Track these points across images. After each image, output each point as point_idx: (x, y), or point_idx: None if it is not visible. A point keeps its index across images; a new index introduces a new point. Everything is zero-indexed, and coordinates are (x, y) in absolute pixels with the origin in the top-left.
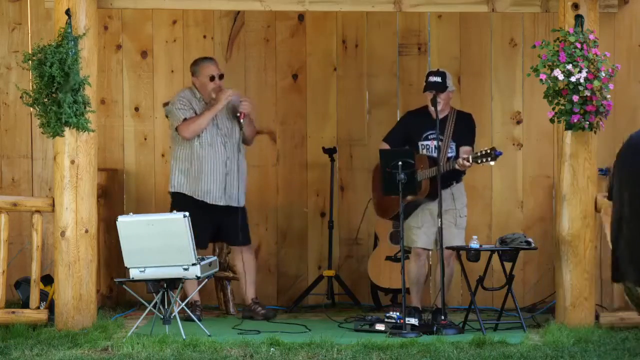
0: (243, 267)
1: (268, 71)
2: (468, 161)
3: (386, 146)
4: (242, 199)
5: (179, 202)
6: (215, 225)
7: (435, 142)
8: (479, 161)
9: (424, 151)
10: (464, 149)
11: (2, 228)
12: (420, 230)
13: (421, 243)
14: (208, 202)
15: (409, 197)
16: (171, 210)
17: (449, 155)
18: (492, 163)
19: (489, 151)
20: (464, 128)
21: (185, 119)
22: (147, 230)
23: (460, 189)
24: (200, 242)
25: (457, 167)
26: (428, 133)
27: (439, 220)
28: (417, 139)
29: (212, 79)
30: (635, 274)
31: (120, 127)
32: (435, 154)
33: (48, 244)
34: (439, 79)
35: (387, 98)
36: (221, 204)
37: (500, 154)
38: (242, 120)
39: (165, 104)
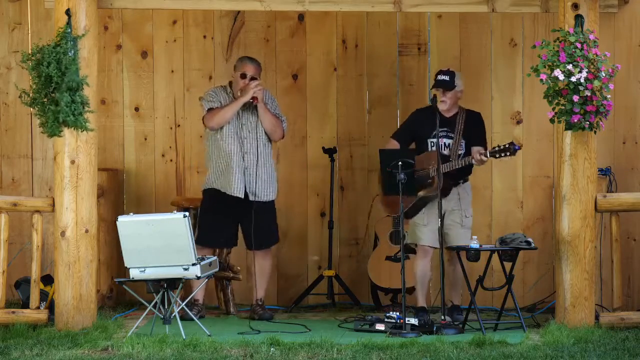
0: (257, 269)
1: (268, 71)
2: (485, 156)
3: (395, 143)
4: (265, 195)
5: (206, 199)
6: (237, 224)
7: (444, 140)
8: (497, 156)
9: (434, 149)
10: (477, 149)
11: (2, 228)
12: (426, 228)
13: (427, 240)
14: (230, 193)
15: (422, 193)
16: (201, 208)
17: (459, 152)
18: (510, 157)
19: (507, 146)
20: (475, 127)
21: (210, 109)
22: (147, 230)
23: (467, 189)
24: (228, 242)
25: (473, 162)
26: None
27: (439, 220)
28: (427, 136)
29: (242, 76)
30: None
31: (120, 127)
32: (444, 152)
33: (48, 244)
34: (446, 78)
35: (387, 98)
36: (240, 195)
37: (519, 148)
38: (254, 104)
39: (201, 98)
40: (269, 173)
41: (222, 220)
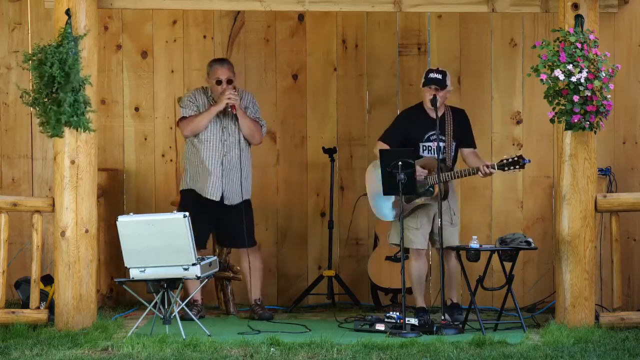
0: (249, 269)
1: (268, 71)
2: (493, 169)
3: (384, 146)
4: (243, 196)
5: (183, 200)
6: (216, 225)
7: (436, 143)
8: (505, 169)
9: (426, 152)
10: (469, 152)
11: (2, 228)
12: (419, 232)
13: (419, 244)
14: (205, 196)
15: (421, 200)
16: (178, 209)
17: (451, 155)
18: (519, 171)
19: (516, 159)
20: (463, 127)
21: (184, 117)
22: (147, 230)
23: (453, 187)
24: (199, 242)
25: (480, 175)
26: (430, 134)
27: (440, 220)
28: (419, 139)
29: (218, 82)
30: None
31: (120, 127)
32: (436, 155)
33: (48, 244)
34: (439, 76)
35: (387, 98)
36: (217, 199)
37: (529, 161)
38: (233, 113)
39: (179, 100)
40: (247, 175)
41: (198, 220)
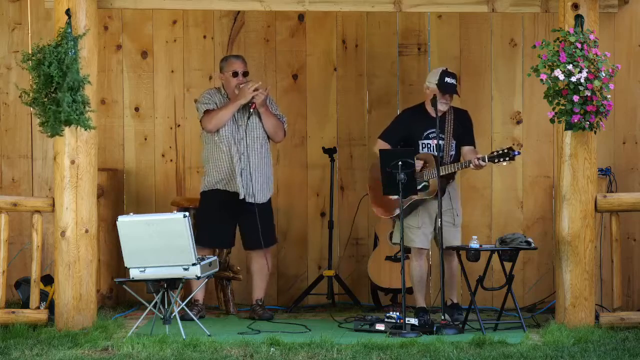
0: (257, 269)
1: (268, 71)
2: (484, 161)
3: (383, 144)
4: (262, 196)
5: (205, 201)
6: (236, 224)
7: (435, 141)
8: (496, 161)
9: (425, 150)
10: (468, 149)
11: (2, 228)
12: (420, 231)
13: (420, 243)
14: (229, 190)
15: (418, 196)
16: (199, 211)
17: (451, 153)
18: (509, 163)
19: (506, 151)
20: (464, 126)
21: (207, 111)
22: (147, 230)
23: (455, 188)
24: (226, 242)
25: (472, 167)
26: (429, 132)
27: (439, 219)
28: (418, 138)
29: (234, 74)
30: None
31: (120, 127)
32: (435, 153)
33: (48, 244)
34: (454, 82)
35: (387, 98)
36: (242, 197)
37: (518, 153)
38: (251, 110)
39: (196, 101)
40: (266, 174)
41: (221, 221)
